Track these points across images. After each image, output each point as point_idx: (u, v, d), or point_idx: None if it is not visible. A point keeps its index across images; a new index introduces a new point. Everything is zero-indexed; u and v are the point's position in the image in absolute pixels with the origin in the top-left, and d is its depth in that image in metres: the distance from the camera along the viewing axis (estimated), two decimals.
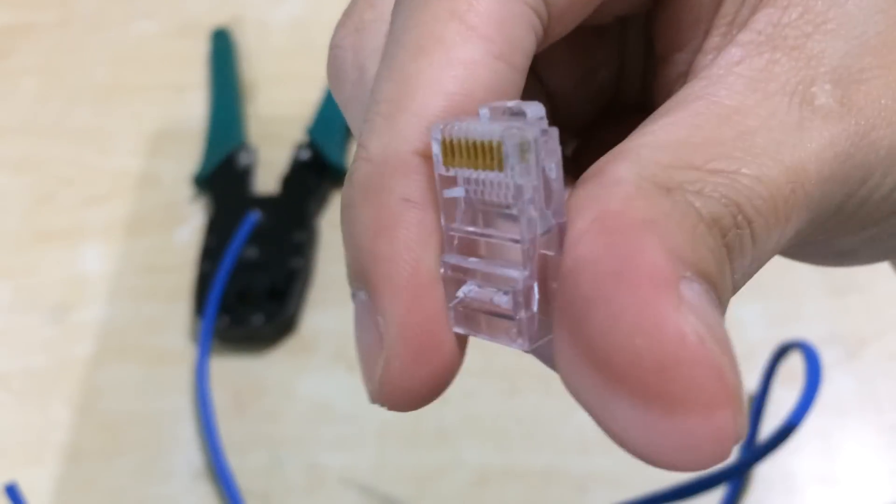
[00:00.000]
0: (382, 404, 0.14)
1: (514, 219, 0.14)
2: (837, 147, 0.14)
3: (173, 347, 0.42)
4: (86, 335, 0.43)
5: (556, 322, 0.13)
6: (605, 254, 0.12)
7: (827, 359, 0.37)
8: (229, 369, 0.41)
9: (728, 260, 0.13)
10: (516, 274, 0.13)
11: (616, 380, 0.12)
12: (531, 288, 0.13)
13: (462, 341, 0.15)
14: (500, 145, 0.13)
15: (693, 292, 0.12)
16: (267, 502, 0.37)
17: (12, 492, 0.34)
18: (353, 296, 0.15)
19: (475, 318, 0.14)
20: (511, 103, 0.14)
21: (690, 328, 0.12)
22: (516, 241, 0.13)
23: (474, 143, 0.13)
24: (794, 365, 0.36)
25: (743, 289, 0.14)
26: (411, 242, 0.14)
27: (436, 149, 0.14)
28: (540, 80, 0.20)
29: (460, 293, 0.14)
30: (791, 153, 0.14)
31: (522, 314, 0.13)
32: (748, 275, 0.14)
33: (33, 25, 0.57)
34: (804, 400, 0.31)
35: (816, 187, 0.14)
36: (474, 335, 0.14)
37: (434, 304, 0.14)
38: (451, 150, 0.13)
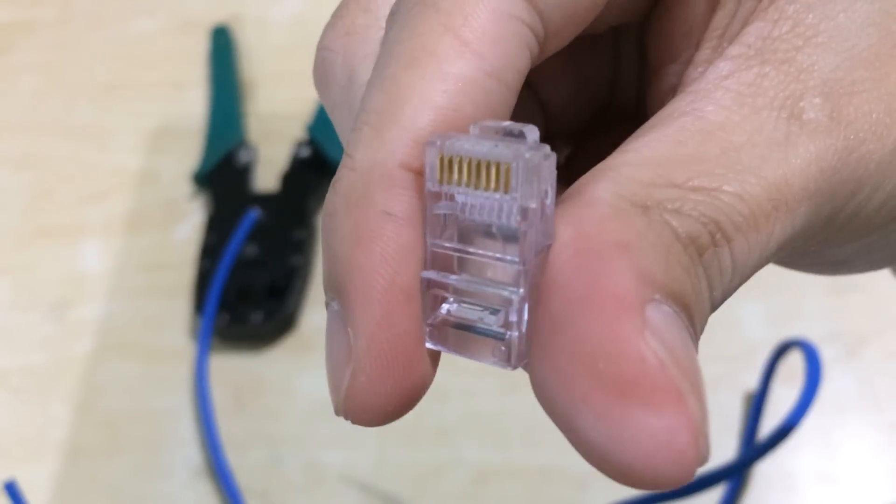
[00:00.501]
0: (346, 418, 0.14)
1: (506, 238, 0.13)
2: (824, 162, 0.14)
3: (173, 345, 0.42)
4: (85, 332, 0.43)
5: (532, 334, 0.13)
6: (575, 278, 0.12)
7: (827, 357, 0.37)
8: (229, 367, 0.41)
9: (705, 278, 0.13)
10: (510, 294, 0.13)
11: (580, 401, 0.12)
12: (523, 308, 0.13)
13: (434, 359, 0.15)
14: (507, 167, 0.13)
15: (660, 315, 0.12)
16: (266, 500, 0.37)
17: (11, 489, 0.34)
18: (327, 305, 0.15)
19: (456, 335, 0.14)
20: (506, 123, 0.13)
21: (651, 353, 0.12)
22: (509, 261, 0.13)
23: (477, 163, 0.13)
24: (794, 363, 0.36)
25: (743, 288, 0.14)
26: (389, 256, 0.14)
27: (430, 163, 0.14)
28: (533, 89, 0.20)
29: (442, 310, 0.14)
30: (774, 169, 0.13)
31: (514, 333, 0.13)
32: (729, 291, 0.14)
33: (33, 22, 0.57)
34: (804, 398, 0.31)
35: (801, 203, 0.14)
36: (453, 353, 0.14)
37: (407, 321, 0.14)
38: (449, 166, 0.13)
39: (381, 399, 0.14)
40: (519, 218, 0.13)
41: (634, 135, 0.15)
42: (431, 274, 0.14)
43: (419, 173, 0.14)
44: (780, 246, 0.14)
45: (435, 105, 0.14)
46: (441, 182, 0.14)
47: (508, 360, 0.14)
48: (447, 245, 0.14)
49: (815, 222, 0.14)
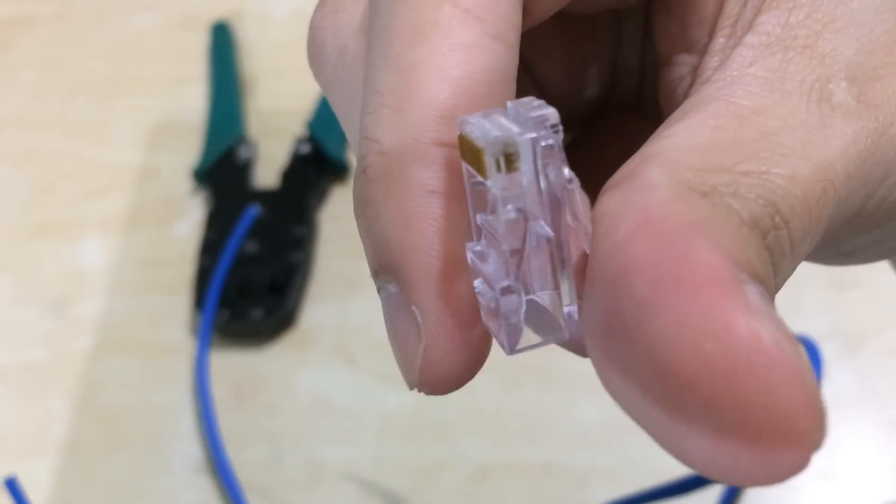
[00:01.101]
0: (422, 391, 0.15)
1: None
2: (860, 144, 0.14)
3: (173, 341, 0.42)
4: (85, 329, 0.43)
5: (595, 333, 0.12)
6: (659, 257, 0.11)
7: (827, 354, 0.37)
8: (229, 363, 0.41)
9: (770, 262, 0.13)
10: (495, 279, 0.13)
11: (684, 390, 0.11)
12: (512, 297, 0.13)
13: None
14: (482, 152, 0.13)
15: (754, 294, 0.11)
16: (267, 496, 0.37)
17: (12, 485, 0.34)
18: (380, 289, 0.15)
19: (483, 310, 0.14)
20: (536, 103, 0.13)
21: (765, 331, 0.11)
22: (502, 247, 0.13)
23: (471, 145, 0.13)
24: None
25: None
26: (441, 232, 0.14)
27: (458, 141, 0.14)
28: (530, 71, 0.20)
29: (475, 284, 0.14)
30: (818, 151, 0.13)
31: (500, 321, 0.14)
32: (786, 278, 0.13)
33: (32, 18, 0.57)
34: None
35: (844, 185, 0.13)
36: (487, 324, 0.14)
37: (467, 292, 0.14)
38: (461, 146, 0.13)
39: (457, 368, 0.14)
40: (493, 201, 0.13)
41: (667, 122, 0.14)
42: (473, 246, 0.14)
43: (453, 147, 0.14)
44: (825, 232, 0.14)
45: (451, 77, 0.14)
46: (462, 160, 0.14)
47: (503, 344, 0.14)
48: (488, 219, 0.14)
49: (850, 209, 0.14)
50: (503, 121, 0.13)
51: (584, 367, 0.13)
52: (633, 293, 0.11)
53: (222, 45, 0.53)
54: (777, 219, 0.13)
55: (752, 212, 0.12)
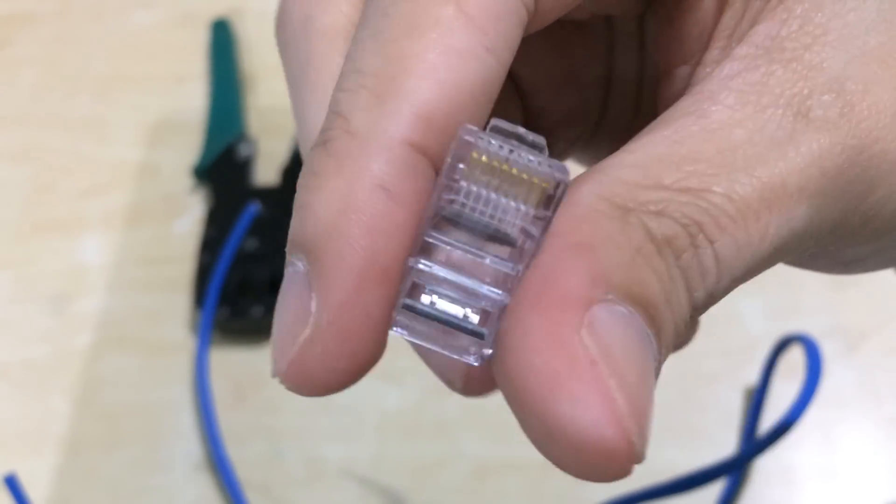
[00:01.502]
0: (284, 383, 0.14)
1: (503, 242, 0.13)
2: (827, 161, 0.14)
3: (173, 338, 0.42)
4: (85, 326, 0.43)
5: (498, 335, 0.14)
6: (530, 276, 0.13)
7: (827, 352, 0.37)
8: (229, 360, 0.41)
9: (682, 280, 0.13)
10: (501, 297, 0.13)
11: (520, 393, 0.13)
12: (504, 311, 0.14)
13: (386, 342, 0.14)
14: (545, 186, 0.13)
15: (608, 314, 0.12)
16: (266, 494, 0.37)
17: (12, 483, 0.34)
18: (289, 264, 0.14)
19: (428, 326, 0.14)
20: (521, 130, 0.13)
21: (582, 350, 0.12)
22: (510, 266, 0.13)
23: (513, 173, 0.13)
24: (794, 358, 0.36)
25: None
26: (375, 231, 0.13)
27: (461, 155, 0.13)
28: (514, 79, 0.19)
29: (424, 300, 0.14)
30: (770, 168, 0.13)
31: (491, 334, 0.14)
32: (718, 291, 0.14)
33: (32, 15, 0.57)
34: (804, 393, 0.31)
35: (800, 203, 0.13)
36: (420, 343, 0.14)
37: (378, 301, 0.13)
38: (479, 165, 0.13)
39: (328, 374, 0.14)
40: (534, 229, 0.13)
41: (638, 135, 0.14)
42: (421, 262, 0.14)
43: (420, 152, 0.14)
44: (777, 247, 0.14)
45: (439, 79, 0.14)
46: (464, 179, 0.13)
47: (483, 358, 0.14)
48: (443, 237, 0.14)
49: (822, 224, 0.14)
50: (510, 143, 0.13)
51: None
52: (509, 307, 0.13)
53: (222, 43, 0.53)
54: (700, 237, 0.13)
55: (667, 231, 0.13)
